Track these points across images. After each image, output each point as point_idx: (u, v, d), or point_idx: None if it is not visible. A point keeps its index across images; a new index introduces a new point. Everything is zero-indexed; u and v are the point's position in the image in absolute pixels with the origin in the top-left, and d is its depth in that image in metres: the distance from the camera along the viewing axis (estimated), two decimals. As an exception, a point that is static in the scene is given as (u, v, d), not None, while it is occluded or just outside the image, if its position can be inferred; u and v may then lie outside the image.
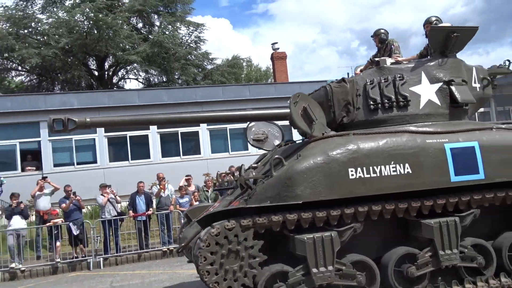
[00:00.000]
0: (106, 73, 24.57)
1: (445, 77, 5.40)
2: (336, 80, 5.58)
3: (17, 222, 10.28)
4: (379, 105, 5.28)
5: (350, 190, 4.57)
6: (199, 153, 16.75)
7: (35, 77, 24.37)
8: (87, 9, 19.91)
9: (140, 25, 24.75)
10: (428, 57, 5.72)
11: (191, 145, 17.07)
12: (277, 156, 4.92)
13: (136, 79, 26.21)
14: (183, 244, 5.13)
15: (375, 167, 4.64)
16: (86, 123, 4.80)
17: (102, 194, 10.86)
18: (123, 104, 16.16)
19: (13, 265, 9.85)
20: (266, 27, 70.31)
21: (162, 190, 11.40)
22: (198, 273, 4.47)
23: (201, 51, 25.25)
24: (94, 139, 15.89)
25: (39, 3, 22.89)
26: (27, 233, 10.86)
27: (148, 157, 16.25)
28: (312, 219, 4.57)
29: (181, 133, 16.51)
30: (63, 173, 14.92)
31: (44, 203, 11.13)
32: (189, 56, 24.43)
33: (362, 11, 70.41)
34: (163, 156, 16.43)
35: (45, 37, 21.52)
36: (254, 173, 4.99)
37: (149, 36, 23.48)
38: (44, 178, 11.70)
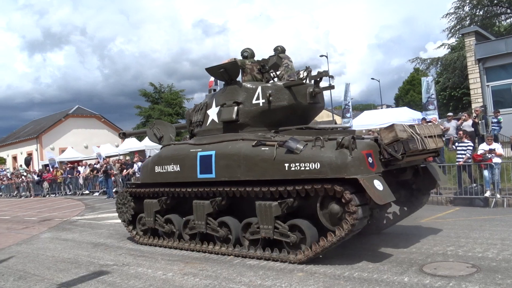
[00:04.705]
0: None
1: (222, 101, 7.29)
2: None
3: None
4: (193, 124, 7.93)
5: (155, 178, 7.96)
6: None
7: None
8: None
9: None
10: None
11: None
12: None
13: None
14: None
15: (165, 166, 7.77)
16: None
17: None
18: None
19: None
20: None
21: None
22: None
23: None
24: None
25: None
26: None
27: None
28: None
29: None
30: None
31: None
32: None
33: None
34: None
35: None
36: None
37: None
38: None
